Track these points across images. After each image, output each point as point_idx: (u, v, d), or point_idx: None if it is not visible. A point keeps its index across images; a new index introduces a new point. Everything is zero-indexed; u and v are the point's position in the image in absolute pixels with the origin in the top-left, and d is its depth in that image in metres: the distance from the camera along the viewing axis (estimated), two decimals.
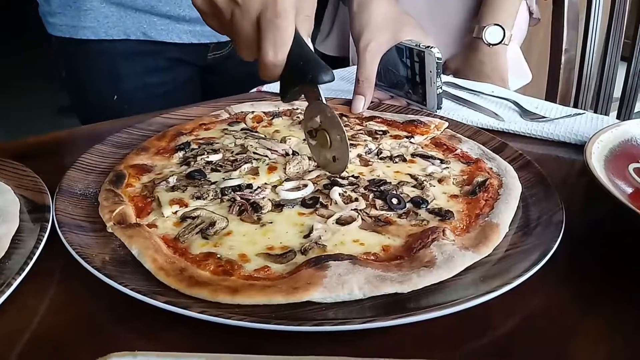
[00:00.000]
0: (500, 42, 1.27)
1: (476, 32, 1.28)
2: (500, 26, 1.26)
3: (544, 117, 0.90)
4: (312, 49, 0.65)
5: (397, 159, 0.73)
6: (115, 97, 1.11)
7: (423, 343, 0.45)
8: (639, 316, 0.49)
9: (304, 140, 0.77)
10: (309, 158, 0.71)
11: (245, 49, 0.64)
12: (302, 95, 0.68)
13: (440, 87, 0.90)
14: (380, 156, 0.74)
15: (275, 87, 1.05)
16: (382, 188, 0.65)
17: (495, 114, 0.91)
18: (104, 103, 1.09)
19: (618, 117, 1.57)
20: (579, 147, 0.81)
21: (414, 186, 0.66)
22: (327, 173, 0.68)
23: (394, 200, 0.62)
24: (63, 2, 1.06)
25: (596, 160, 0.65)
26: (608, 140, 0.70)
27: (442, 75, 0.90)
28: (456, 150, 0.76)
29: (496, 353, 0.45)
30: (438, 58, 0.88)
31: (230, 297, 0.47)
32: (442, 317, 0.46)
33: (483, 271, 0.52)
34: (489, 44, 1.27)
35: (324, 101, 0.65)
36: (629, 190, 0.64)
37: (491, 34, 1.26)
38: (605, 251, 0.58)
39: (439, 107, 0.92)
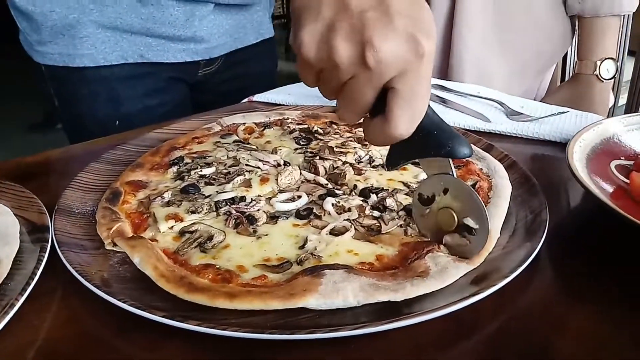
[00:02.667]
0: (612, 77, 1.23)
1: (588, 68, 1.23)
2: (613, 59, 1.22)
3: (530, 117, 0.92)
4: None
5: None
6: (117, 122, 1.11)
7: (413, 346, 0.47)
8: (623, 311, 0.51)
9: (295, 149, 0.79)
10: (300, 168, 0.73)
11: (356, 114, 0.52)
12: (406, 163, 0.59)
13: None
14: (372, 164, 0.75)
15: (266, 96, 1.07)
16: (379, 195, 0.66)
17: (482, 115, 0.93)
18: (104, 128, 1.08)
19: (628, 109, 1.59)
20: (564, 145, 0.82)
21: (406, 194, 0.67)
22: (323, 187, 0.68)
23: None
24: (55, 31, 1.05)
25: (578, 159, 0.67)
26: (590, 138, 0.72)
27: None
28: None
29: (485, 352, 0.47)
30: None
31: (228, 302, 0.49)
32: (431, 320, 0.47)
33: (471, 274, 0.53)
34: (603, 80, 1.22)
35: (455, 175, 0.56)
36: (611, 188, 0.66)
37: (605, 69, 1.21)
38: (589, 249, 0.60)
39: None
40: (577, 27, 1.31)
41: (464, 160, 0.75)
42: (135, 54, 1.09)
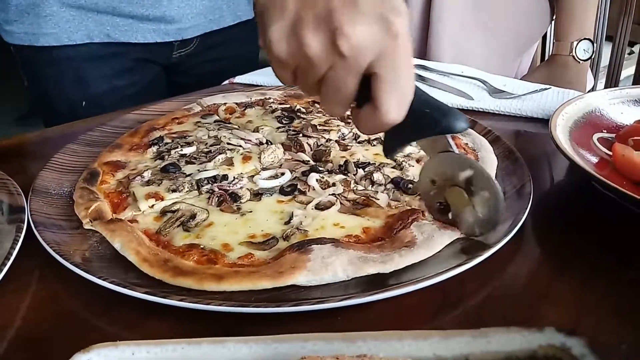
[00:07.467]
0: (590, 57, 1.20)
1: (565, 49, 1.20)
2: (590, 40, 1.19)
3: (512, 94, 0.92)
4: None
5: (375, 142, 0.73)
6: (84, 103, 1.08)
7: (401, 316, 0.47)
8: (606, 280, 0.51)
9: (278, 128, 0.78)
10: (284, 147, 0.72)
11: (341, 105, 0.49)
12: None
13: None
14: (358, 140, 0.74)
15: (247, 78, 1.05)
16: (366, 170, 0.65)
17: (465, 93, 0.93)
18: (73, 109, 1.05)
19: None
20: (546, 122, 0.82)
21: (393, 167, 0.67)
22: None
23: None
24: (20, 10, 1.02)
25: (561, 131, 0.67)
26: (572, 112, 0.72)
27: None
28: None
29: (471, 321, 0.47)
30: None
31: (216, 284, 0.48)
32: (419, 291, 0.47)
33: (457, 246, 0.53)
34: (580, 61, 1.20)
35: (456, 152, 0.53)
36: (594, 159, 0.66)
37: (582, 50, 1.19)
38: (572, 220, 0.60)
39: None
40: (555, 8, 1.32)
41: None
42: (102, 34, 1.06)
